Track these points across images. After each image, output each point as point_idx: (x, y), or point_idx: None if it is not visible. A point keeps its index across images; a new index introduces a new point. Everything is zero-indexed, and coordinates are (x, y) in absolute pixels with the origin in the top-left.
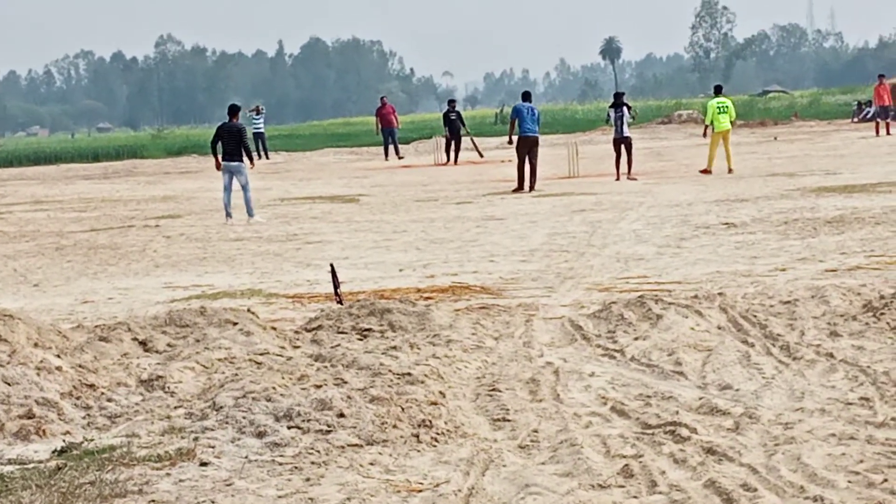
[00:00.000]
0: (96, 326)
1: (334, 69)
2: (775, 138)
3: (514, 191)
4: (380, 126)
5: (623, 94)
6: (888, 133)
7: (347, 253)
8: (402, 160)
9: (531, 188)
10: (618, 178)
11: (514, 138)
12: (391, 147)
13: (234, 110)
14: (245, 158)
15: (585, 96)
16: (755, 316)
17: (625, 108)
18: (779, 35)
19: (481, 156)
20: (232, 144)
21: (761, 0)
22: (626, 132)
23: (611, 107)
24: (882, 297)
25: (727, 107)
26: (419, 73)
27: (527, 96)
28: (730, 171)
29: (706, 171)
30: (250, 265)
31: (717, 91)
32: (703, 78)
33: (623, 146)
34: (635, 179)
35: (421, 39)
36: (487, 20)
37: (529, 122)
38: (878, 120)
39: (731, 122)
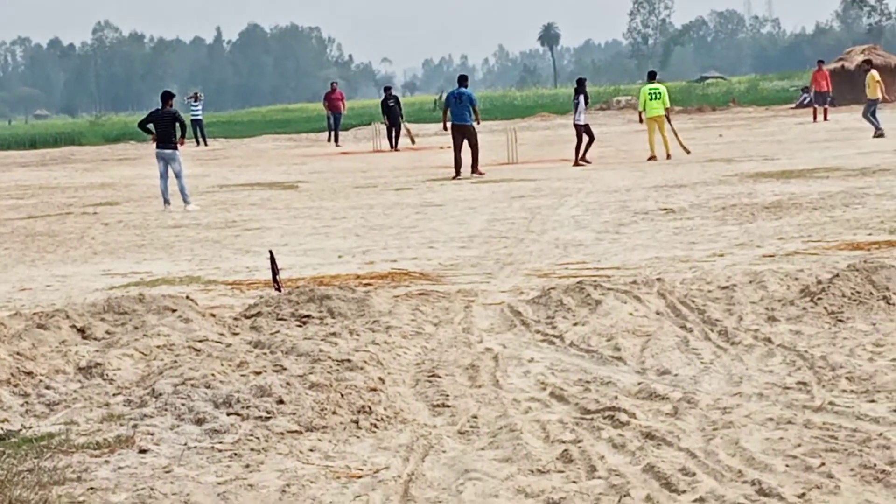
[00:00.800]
0: (34, 314)
1: (272, 56)
2: (720, 136)
3: (453, 178)
4: (327, 111)
5: (584, 80)
6: (825, 119)
7: (287, 240)
8: (340, 148)
9: (473, 171)
10: (575, 164)
11: (449, 125)
12: (334, 132)
13: (166, 97)
14: (179, 145)
15: (524, 82)
16: (693, 301)
17: (581, 96)
18: (716, 21)
19: (413, 142)
20: (165, 131)
21: None
22: (582, 120)
23: (576, 91)
24: (819, 283)
25: (660, 93)
26: (358, 60)
27: (461, 80)
28: (668, 156)
29: (652, 158)
30: (189, 252)
31: (651, 77)
32: (641, 64)
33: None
34: (582, 165)
35: (359, 26)
36: (426, 6)
37: (457, 109)
38: (816, 105)
39: (665, 108)
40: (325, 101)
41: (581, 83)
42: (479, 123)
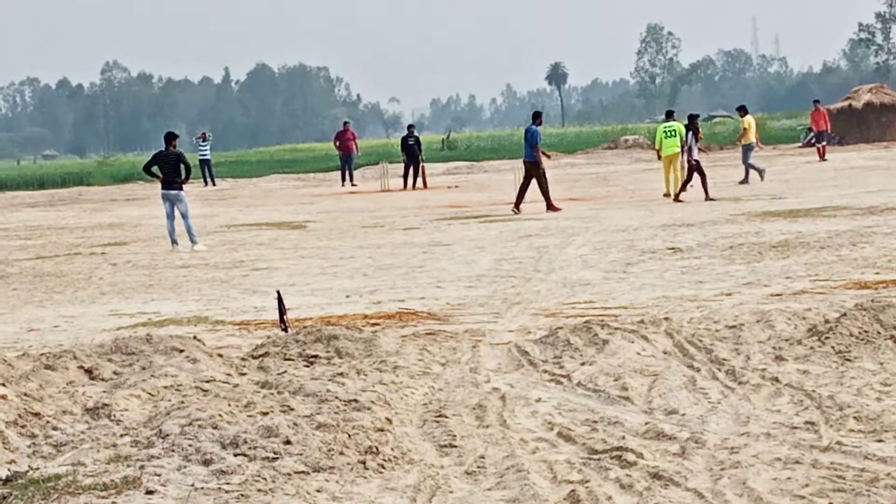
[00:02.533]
0: (42, 354)
1: (281, 95)
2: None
3: (553, 210)
4: (339, 151)
5: (697, 116)
6: (823, 158)
7: (294, 279)
8: (355, 188)
9: (547, 208)
10: (708, 198)
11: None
12: (348, 173)
13: (170, 137)
14: (184, 186)
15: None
16: (701, 341)
17: (690, 132)
18: (724, 60)
19: (425, 186)
20: (170, 172)
21: (706, 26)
22: (696, 155)
23: (686, 128)
24: (827, 322)
25: (675, 131)
26: (366, 99)
27: (534, 117)
28: (672, 196)
29: (667, 195)
30: (197, 292)
31: (668, 116)
32: (648, 103)
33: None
34: (713, 199)
35: (367, 65)
36: (433, 46)
37: (525, 145)
38: (817, 145)
39: (680, 147)
40: (336, 142)
41: (693, 120)
42: (543, 160)
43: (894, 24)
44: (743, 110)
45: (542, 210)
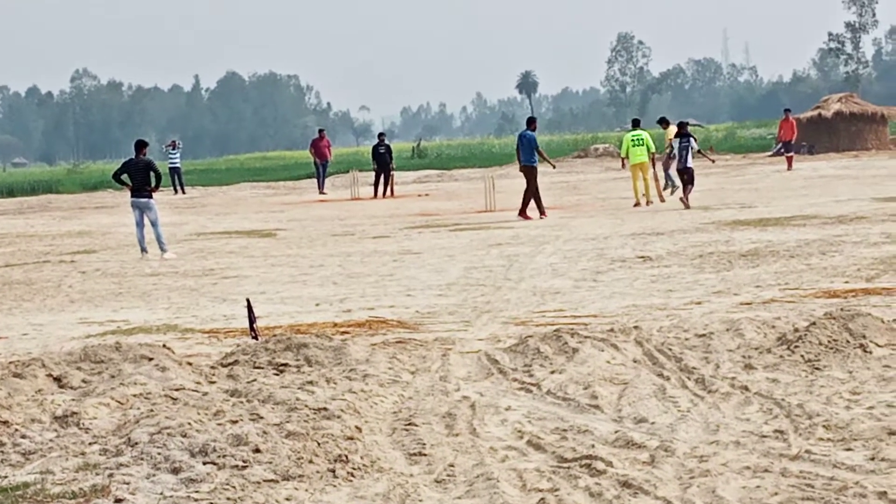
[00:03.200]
0: (10, 362)
1: (251, 103)
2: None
3: (540, 217)
4: (314, 158)
5: (687, 123)
6: (789, 168)
7: (264, 288)
8: (324, 195)
9: (540, 214)
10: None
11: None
12: (323, 179)
13: (140, 145)
14: (154, 194)
15: (502, 130)
16: (670, 349)
17: (690, 139)
18: (694, 69)
19: (392, 194)
20: (140, 180)
21: (676, 35)
22: (690, 162)
23: (675, 136)
24: (796, 330)
25: (642, 140)
26: (336, 108)
27: (529, 122)
28: (648, 202)
29: (637, 205)
30: (166, 300)
31: (635, 125)
32: (619, 112)
33: (686, 176)
34: (688, 207)
35: (338, 73)
36: (404, 54)
37: (522, 150)
38: (786, 155)
39: (648, 155)
40: (311, 149)
41: (684, 126)
42: (552, 165)
43: (864, 33)
44: (665, 122)
45: (514, 218)
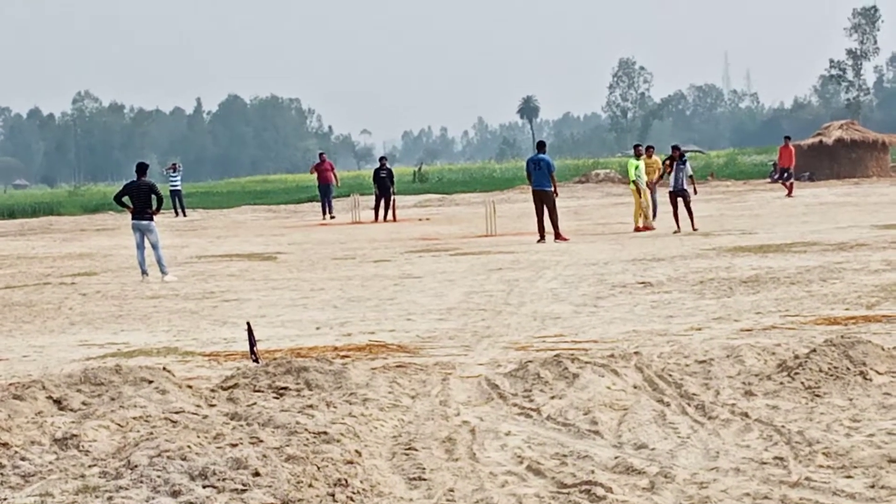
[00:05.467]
0: (10, 384)
1: (252, 126)
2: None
3: (538, 241)
4: (317, 182)
5: (678, 146)
6: (790, 195)
7: (264, 311)
8: (333, 219)
9: (556, 238)
10: (678, 231)
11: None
12: (328, 204)
13: (141, 168)
14: (155, 216)
15: (503, 155)
16: (671, 375)
17: (687, 162)
18: (695, 95)
19: (394, 219)
20: (141, 202)
21: (678, 61)
22: (685, 184)
23: (670, 159)
24: (796, 357)
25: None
26: (337, 131)
27: (540, 146)
28: (647, 227)
29: (647, 228)
30: (166, 323)
31: (641, 150)
32: (620, 138)
33: (680, 199)
34: (696, 230)
35: (339, 97)
36: (406, 78)
37: (537, 175)
38: (783, 182)
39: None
40: (313, 172)
41: (678, 149)
42: (556, 191)
43: (865, 60)
44: (651, 150)
45: (515, 243)
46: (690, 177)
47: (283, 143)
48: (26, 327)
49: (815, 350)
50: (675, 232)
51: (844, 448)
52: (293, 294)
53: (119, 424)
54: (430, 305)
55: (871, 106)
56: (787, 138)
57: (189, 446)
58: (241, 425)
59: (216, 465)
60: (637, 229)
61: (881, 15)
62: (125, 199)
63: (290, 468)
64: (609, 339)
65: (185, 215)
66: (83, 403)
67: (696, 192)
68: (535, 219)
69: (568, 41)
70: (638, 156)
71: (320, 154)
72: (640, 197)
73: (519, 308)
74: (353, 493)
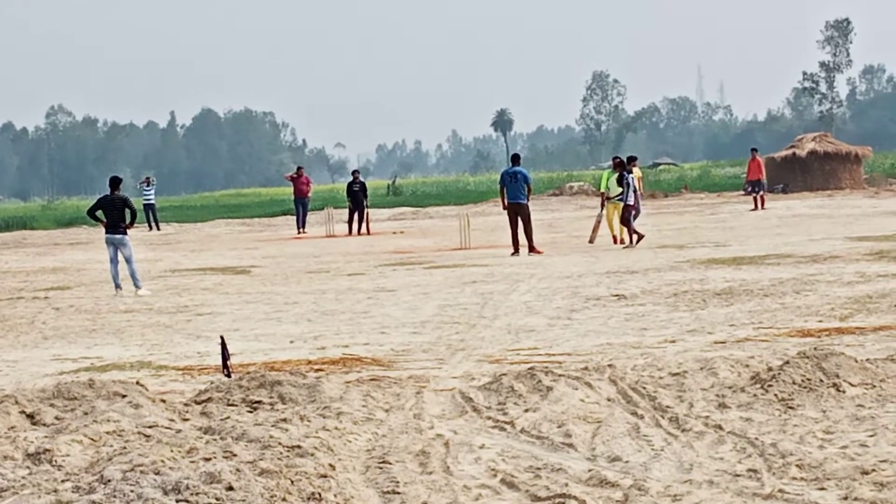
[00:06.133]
0: None
1: (226, 140)
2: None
3: (511, 254)
4: (293, 195)
5: (618, 157)
6: (762, 207)
7: (238, 325)
8: (305, 234)
9: (530, 251)
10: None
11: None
12: (302, 218)
13: (115, 182)
14: (129, 230)
15: (477, 167)
16: (644, 388)
17: (631, 175)
18: (669, 108)
19: (368, 232)
20: (115, 216)
21: (651, 73)
22: (631, 199)
23: (617, 172)
24: (770, 369)
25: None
26: (311, 144)
27: (515, 159)
28: (618, 240)
29: (617, 241)
30: (140, 337)
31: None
32: (594, 150)
33: (628, 214)
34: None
35: (313, 110)
36: (379, 92)
37: (512, 187)
38: (754, 194)
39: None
40: (288, 178)
41: (625, 164)
42: (528, 200)
43: (838, 73)
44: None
45: (489, 256)
46: (635, 191)
47: (257, 156)
48: None
49: (788, 362)
50: (624, 245)
51: (818, 460)
52: (267, 308)
53: (92, 439)
54: (405, 318)
55: (844, 118)
56: (755, 150)
57: (162, 461)
58: (215, 439)
59: (189, 480)
60: (616, 240)
61: (854, 27)
62: (99, 213)
63: (263, 482)
64: (583, 352)
65: (158, 229)
66: (56, 418)
67: (666, 195)
68: (510, 231)
69: (541, 54)
70: (614, 167)
71: (298, 168)
72: (602, 209)
73: (493, 321)
74: None
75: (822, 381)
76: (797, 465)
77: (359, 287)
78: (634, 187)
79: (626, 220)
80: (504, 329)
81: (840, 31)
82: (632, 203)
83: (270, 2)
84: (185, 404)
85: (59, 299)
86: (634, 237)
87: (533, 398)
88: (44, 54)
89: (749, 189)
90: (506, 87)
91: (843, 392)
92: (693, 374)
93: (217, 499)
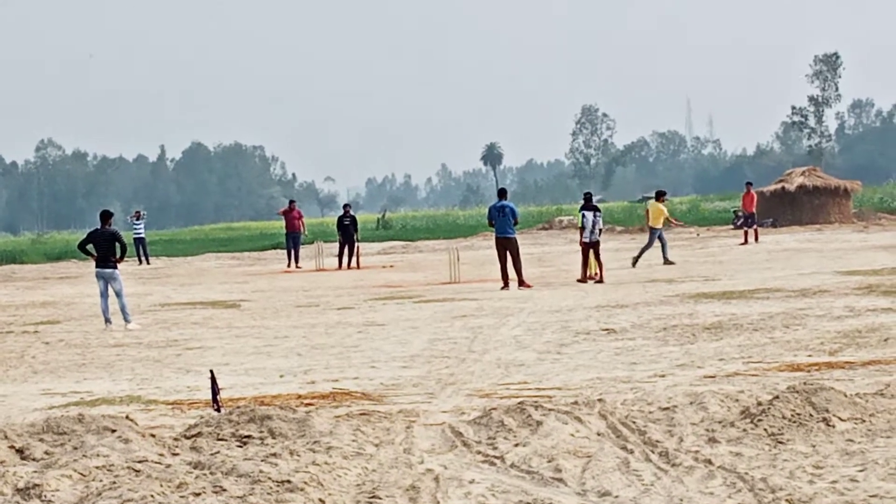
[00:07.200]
0: None
1: (216, 174)
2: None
3: (501, 289)
4: (285, 230)
5: (591, 194)
6: (756, 240)
7: (228, 359)
8: (300, 269)
9: (520, 285)
10: (584, 281)
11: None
12: (294, 252)
13: (105, 216)
14: (119, 265)
15: (467, 202)
16: (634, 422)
17: (599, 212)
18: (658, 142)
19: (358, 266)
20: (105, 250)
21: (641, 107)
22: (597, 236)
23: (583, 209)
24: (759, 404)
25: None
26: (301, 178)
27: (502, 193)
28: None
29: (589, 278)
30: (130, 371)
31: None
32: (583, 184)
33: (592, 249)
34: (602, 282)
35: (303, 144)
36: (369, 126)
37: (500, 222)
38: (745, 228)
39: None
40: (280, 213)
41: (590, 198)
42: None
43: (827, 107)
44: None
45: (478, 290)
46: (601, 228)
47: (247, 190)
48: None
49: (777, 397)
50: (578, 280)
51: (807, 495)
52: (257, 342)
53: (82, 474)
54: (394, 353)
55: (832, 152)
56: (749, 184)
57: (152, 496)
58: (205, 474)
59: None
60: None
61: (842, 62)
62: (89, 246)
63: None
64: (573, 386)
65: (148, 263)
66: (46, 453)
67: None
68: (499, 266)
69: (531, 88)
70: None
71: (290, 202)
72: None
73: (483, 355)
74: None
75: (811, 415)
76: (787, 500)
77: (349, 321)
78: (593, 222)
79: (585, 256)
80: (494, 363)
81: (829, 65)
82: (587, 240)
83: (261, 37)
84: (175, 439)
85: (49, 333)
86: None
87: (523, 433)
88: (33, 88)
89: (740, 222)
90: (495, 121)
91: (833, 427)
92: (683, 409)
93: None
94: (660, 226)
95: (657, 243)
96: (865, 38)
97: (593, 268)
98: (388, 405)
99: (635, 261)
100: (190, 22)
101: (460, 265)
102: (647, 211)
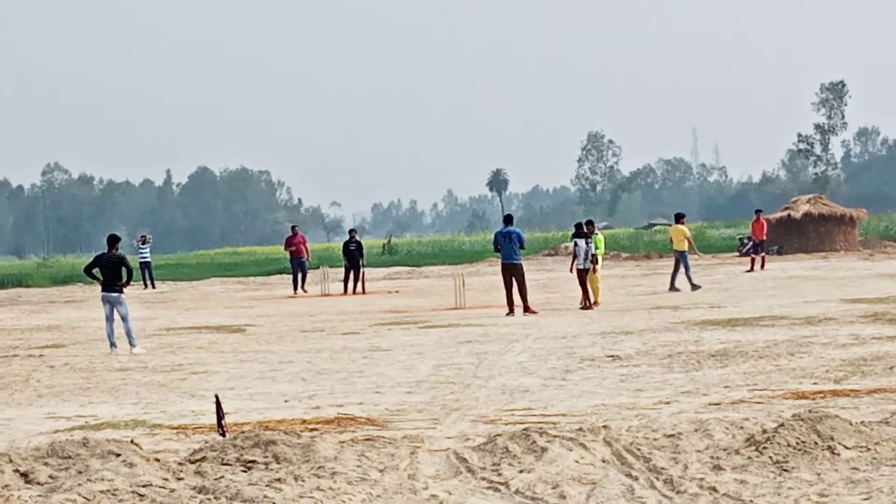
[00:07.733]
0: None
1: (222, 198)
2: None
3: (506, 314)
4: (289, 256)
5: (582, 223)
6: (762, 267)
7: (233, 384)
8: (306, 293)
9: (525, 311)
10: (586, 307)
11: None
12: (300, 278)
13: (113, 240)
14: (125, 289)
15: (473, 227)
16: (639, 449)
17: (590, 240)
18: (664, 169)
19: (363, 291)
20: (111, 274)
21: (647, 134)
22: (590, 262)
23: (574, 236)
24: (765, 431)
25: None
26: (307, 203)
27: (508, 219)
28: (596, 304)
29: (595, 304)
30: (134, 395)
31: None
32: (588, 211)
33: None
34: (589, 308)
35: (309, 169)
36: (375, 151)
37: (506, 248)
38: (753, 255)
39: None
40: (286, 246)
41: (581, 227)
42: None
43: (833, 135)
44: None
45: (484, 316)
46: (593, 254)
47: (253, 215)
48: None
49: (783, 424)
50: (580, 307)
51: None
52: (262, 366)
53: (86, 498)
54: (399, 378)
55: (838, 180)
56: (759, 212)
57: None
58: (209, 499)
59: None
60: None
61: (848, 90)
62: (95, 270)
63: None
64: (577, 413)
65: (154, 287)
66: (50, 477)
67: (594, 271)
68: (504, 291)
69: (537, 115)
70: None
71: (293, 227)
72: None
73: (488, 381)
74: None
75: (816, 443)
76: None
77: (354, 346)
78: (586, 249)
79: (582, 283)
80: (499, 389)
81: (835, 93)
82: (581, 267)
83: (266, 61)
84: (180, 463)
85: (54, 357)
86: (590, 300)
87: (527, 459)
88: (40, 112)
89: (747, 249)
90: (502, 147)
91: (838, 455)
92: (688, 436)
93: None
94: (684, 248)
95: (681, 266)
96: (872, 67)
97: (597, 293)
98: (392, 431)
99: (672, 286)
100: (196, 48)
101: (466, 291)
102: (671, 237)
